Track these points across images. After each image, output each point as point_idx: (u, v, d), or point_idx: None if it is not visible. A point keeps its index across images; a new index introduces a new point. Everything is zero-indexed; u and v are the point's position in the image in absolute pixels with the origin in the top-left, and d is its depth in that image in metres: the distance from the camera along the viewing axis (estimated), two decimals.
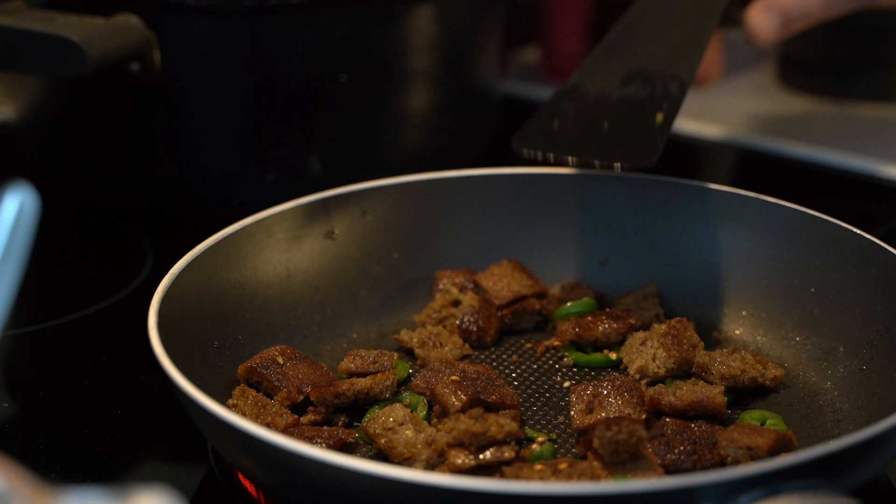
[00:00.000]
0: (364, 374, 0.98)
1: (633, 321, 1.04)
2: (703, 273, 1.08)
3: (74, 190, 1.32)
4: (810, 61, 1.58)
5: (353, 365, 0.99)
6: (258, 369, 0.96)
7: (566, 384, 1.00)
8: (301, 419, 0.94)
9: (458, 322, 1.05)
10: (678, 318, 1.05)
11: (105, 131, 1.27)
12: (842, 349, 0.99)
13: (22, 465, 0.94)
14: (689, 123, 1.51)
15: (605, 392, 0.93)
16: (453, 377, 0.94)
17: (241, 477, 0.91)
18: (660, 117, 1.05)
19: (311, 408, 0.95)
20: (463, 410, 0.91)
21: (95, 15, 1.16)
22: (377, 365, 0.99)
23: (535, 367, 1.03)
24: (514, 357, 1.04)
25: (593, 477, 0.83)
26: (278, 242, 1.06)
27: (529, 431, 0.93)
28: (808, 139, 1.47)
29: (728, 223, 1.08)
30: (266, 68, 1.23)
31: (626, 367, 1.01)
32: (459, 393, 0.92)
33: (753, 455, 0.86)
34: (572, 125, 1.05)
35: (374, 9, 1.23)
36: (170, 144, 1.25)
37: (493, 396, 0.93)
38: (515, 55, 1.70)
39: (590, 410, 0.93)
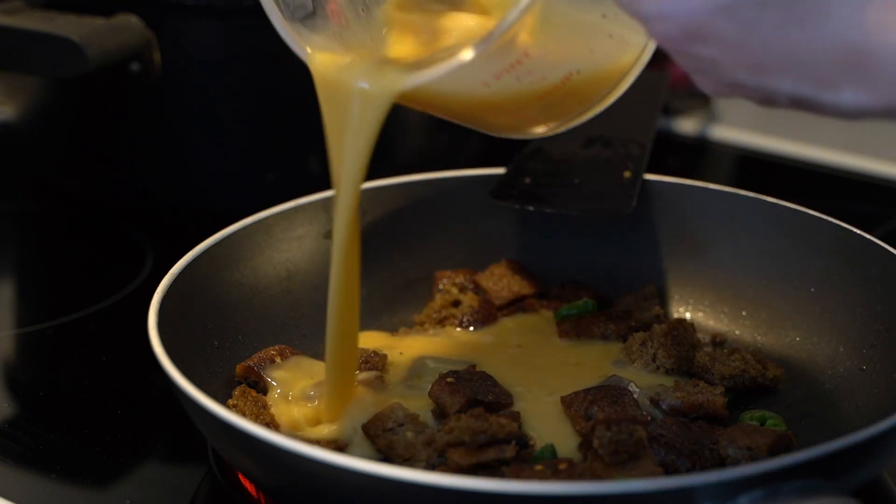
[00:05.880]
0: None
1: (633, 321, 1.04)
2: (703, 273, 1.08)
3: (74, 190, 1.32)
4: None
5: None
6: (256, 369, 0.96)
7: None
8: None
9: (458, 322, 1.05)
10: (678, 318, 1.05)
11: (105, 131, 1.27)
12: (842, 349, 0.99)
13: (22, 465, 0.94)
14: (690, 123, 1.51)
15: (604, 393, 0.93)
16: (448, 379, 0.94)
17: (241, 477, 0.91)
18: (627, 173, 1.09)
19: None
20: (462, 411, 0.91)
21: (95, 15, 1.16)
22: None
23: None
24: None
25: (593, 477, 0.83)
26: (278, 242, 1.05)
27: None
28: (808, 139, 1.47)
29: (728, 223, 1.07)
30: (266, 68, 1.23)
31: None
32: (456, 395, 0.92)
33: (753, 455, 0.86)
34: (544, 181, 1.10)
35: None
36: (170, 144, 1.25)
37: (490, 396, 0.93)
38: None
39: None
